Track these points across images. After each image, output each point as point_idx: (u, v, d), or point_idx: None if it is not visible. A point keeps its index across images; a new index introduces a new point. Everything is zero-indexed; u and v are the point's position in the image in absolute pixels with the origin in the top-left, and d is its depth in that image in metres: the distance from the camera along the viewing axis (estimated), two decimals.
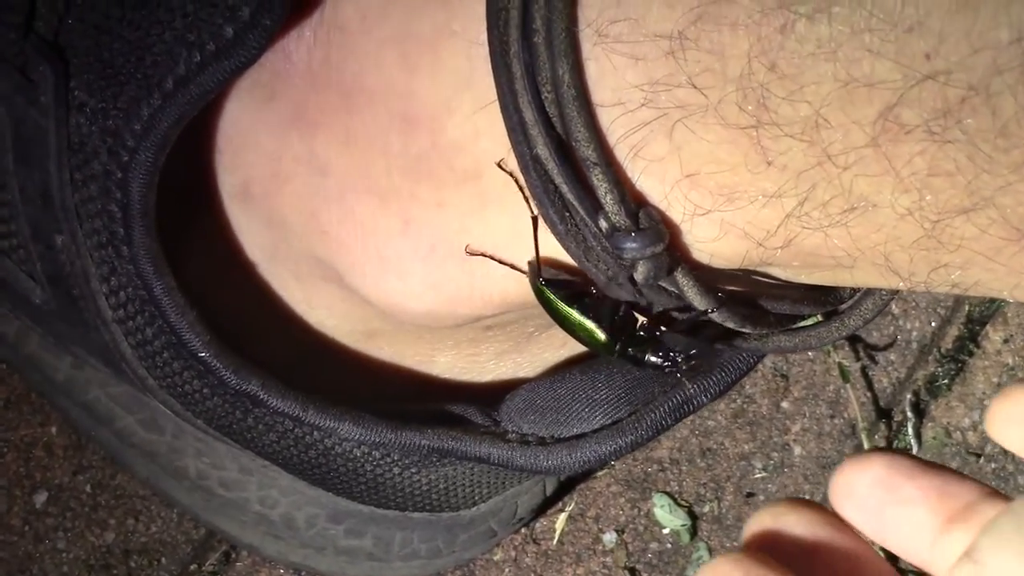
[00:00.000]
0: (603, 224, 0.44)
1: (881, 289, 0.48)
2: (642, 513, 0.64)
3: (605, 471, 0.64)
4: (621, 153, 0.44)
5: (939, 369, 0.69)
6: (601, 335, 0.49)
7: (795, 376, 0.66)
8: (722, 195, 0.43)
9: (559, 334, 0.51)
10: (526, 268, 0.48)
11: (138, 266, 0.50)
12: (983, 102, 0.37)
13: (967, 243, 0.40)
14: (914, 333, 0.68)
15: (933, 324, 0.69)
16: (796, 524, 0.35)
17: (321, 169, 0.50)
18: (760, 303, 0.49)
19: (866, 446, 0.66)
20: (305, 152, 0.50)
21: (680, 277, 0.46)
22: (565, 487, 0.64)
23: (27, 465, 0.62)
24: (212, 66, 0.47)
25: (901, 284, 0.44)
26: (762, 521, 0.35)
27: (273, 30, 0.47)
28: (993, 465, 0.67)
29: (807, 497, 0.64)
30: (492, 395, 0.55)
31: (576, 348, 0.56)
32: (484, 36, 0.44)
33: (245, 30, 0.47)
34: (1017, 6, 0.36)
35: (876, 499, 0.34)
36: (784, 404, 0.66)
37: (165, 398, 0.54)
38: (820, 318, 0.51)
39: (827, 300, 0.50)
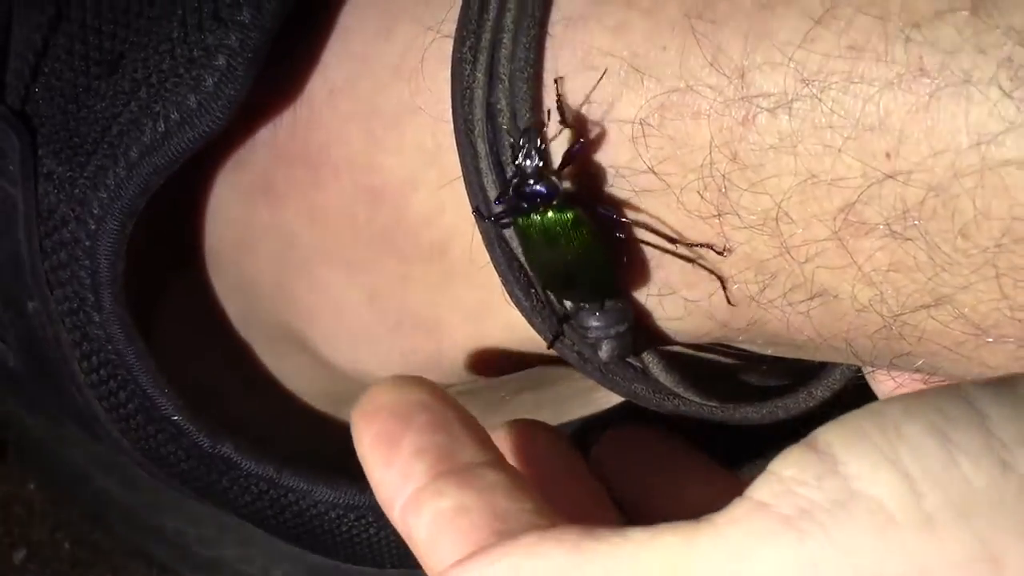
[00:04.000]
0: (567, 303, 0.44)
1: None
2: None
3: None
4: None
5: None
6: None
7: None
8: (684, 279, 0.43)
9: (531, 399, 0.51)
10: (494, 340, 0.48)
11: (109, 332, 0.50)
12: (943, 204, 0.37)
13: (929, 336, 0.40)
14: None
15: None
16: None
17: (288, 239, 0.50)
18: (726, 375, 0.49)
19: None
20: (272, 222, 0.50)
21: (645, 355, 0.46)
22: None
23: (6, 522, 0.62)
24: (177, 136, 0.47)
25: (864, 366, 0.44)
26: None
27: (237, 100, 0.47)
28: None
29: None
30: None
31: (553, 414, 0.56)
32: (449, 114, 0.44)
33: (209, 100, 0.47)
34: (975, 111, 0.35)
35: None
36: None
37: (140, 459, 0.54)
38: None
39: (794, 371, 0.50)
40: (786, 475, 0.31)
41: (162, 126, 0.48)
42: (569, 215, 0.43)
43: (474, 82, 0.43)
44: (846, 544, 0.29)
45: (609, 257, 0.43)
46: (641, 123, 0.41)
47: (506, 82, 0.43)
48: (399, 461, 0.37)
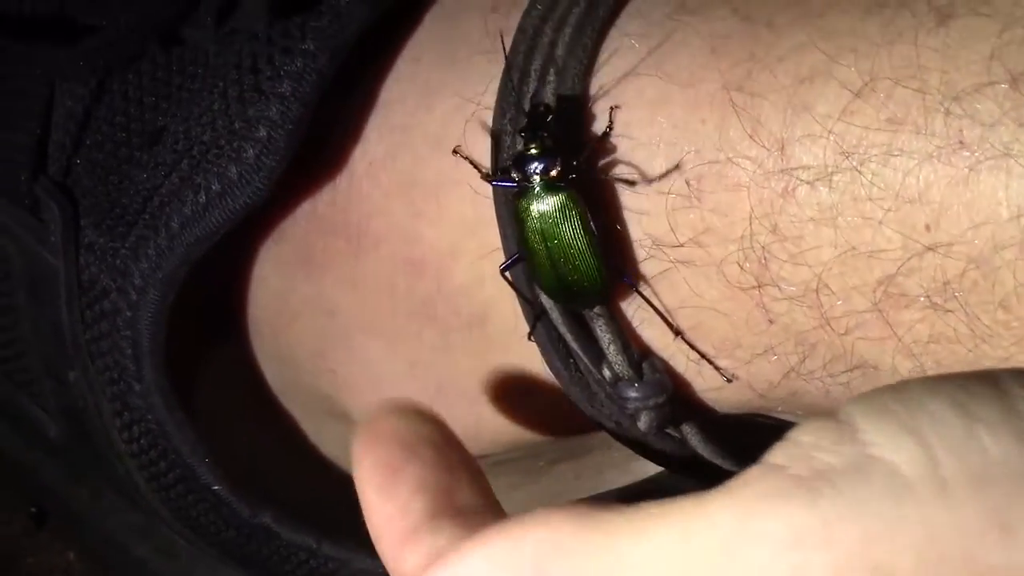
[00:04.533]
0: (606, 373, 0.44)
1: None
2: None
3: None
4: (624, 304, 0.44)
5: None
6: None
7: None
8: (724, 348, 0.43)
9: (569, 468, 0.51)
10: (533, 410, 0.48)
11: (149, 401, 0.50)
12: (983, 276, 0.37)
13: None
14: None
15: None
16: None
17: (328, 310, 0.50)
18: (764, 444, 0.49)
19: None
20: (312, 293, 0.50)
21: (684, 425, 0.46)
22: None
23: None
24: (218, 207, 0.47)
25: None
26: None
27: (278, 172, 0.47)
28: None
29: None
30: None
31: (592, 484, 0.56)
32: (488, 184, 0.44)
33: (250, 171, 0.47)
34: (1015, 184, 0.35)
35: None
36: None
37: (180, 528, 0.54)
38: None
39: None
40: (804, 440, 0.31)
41: (203, 197, 0.48)
42: (563, 194, 0.43)
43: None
44: (859, 507, 0.29)
45: (596, 248, 0.43)
46: (680, 195, 0.41)
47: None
48: (399, 494, 0.37)
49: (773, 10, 0.41)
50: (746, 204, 0.40)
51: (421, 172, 0.47)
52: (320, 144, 0.49)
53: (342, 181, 0.49)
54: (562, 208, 0.43)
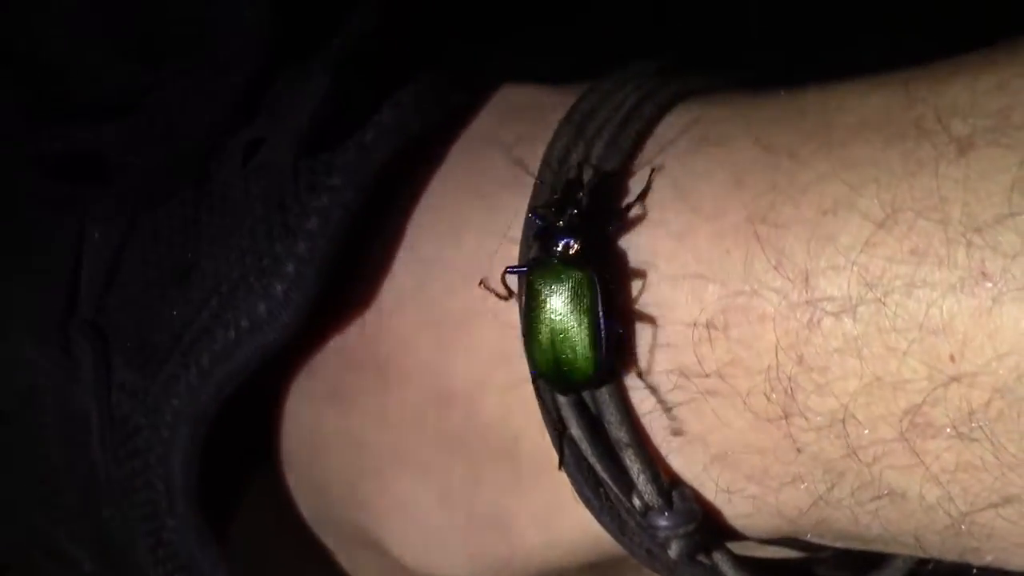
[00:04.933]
0: (636, 502, 0.44)
1: None
2: None
3: None
4: (653, 433, 0.44)
5: None
6: None
7: None
8: (753, 477, 0.43)
9: None
10: (564, 539, 0.48)
11: (183, 537, 0.51)
12: (1008, 405, 0.37)
13: (998, 533, 0.40)
14: None
15: None
16: None
17: (359, 443, 0.50)
18: (795, 568, 0.49)
19: None
20: (343, 426, 0.51)
21: (715, 553, 0.45)
22: None
23: None
24: (247, 343, 0.48)
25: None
26: None
27: (306, 308, 0.47)
28: None
29: None
30: None
31: None
32: (515, 316, 0.45)
33: (279, 308, 0.47)
34: None
35: None
36: None
37: None
38: None
39: (862, 558, 0.49)
40: None
41: (233, 334, 0.48)
42: (579, 273, 0.43)
43: None
44: None
45: (599, 335, 0.43)
46: (706, 326, 0.41)
47: None
48: None
49: (795, 140, 0.42)
50: (772, 335, 0.40)
51: (449, 305, 0.47)
52: (349, 278, 0.49)
53: (371, 315, 0.49)
54: (576, 286, 0.43)
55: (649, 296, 0.43)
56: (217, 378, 0.49)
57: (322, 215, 0.47)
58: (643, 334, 0.43)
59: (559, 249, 0.43)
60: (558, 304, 0.43)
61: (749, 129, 0.43)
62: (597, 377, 0.44)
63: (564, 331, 0.43)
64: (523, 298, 0.44)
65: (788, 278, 0.40)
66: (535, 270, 0.44)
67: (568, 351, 0.43)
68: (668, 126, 0.46)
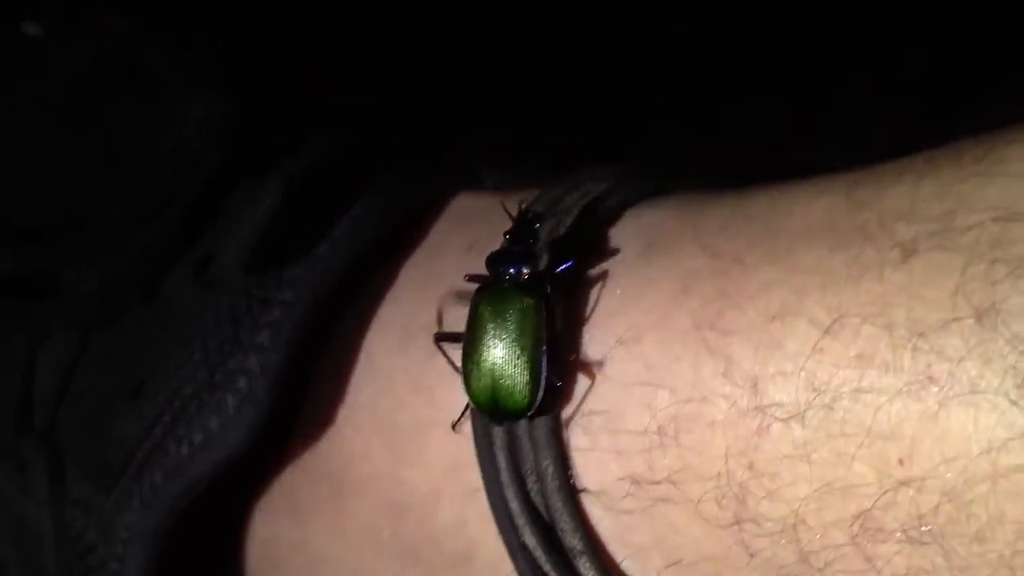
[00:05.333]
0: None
1: None
2: None
3: None
4: (607, 541, 0.44)
5: None
6: None
7: None
8: None
9: None
10: None
11: None
12: (957, 509, 0.37)
13: None
14: None
15: None
16: None
17: (314, 556, 0.50)
18: None
19: None
20: (300, 540, 0.50)
21: None
22: None
23: None
24: (200, 459, 0.48)
25: None
26: None
27: (260, 422, 0.47)
28: None
29: None
30: None
31: None
32: (468, 427, 0.45)
33: (232, 422, 0.47)
34: (984, 419, 0.36)
35: None
36: None
37: None
38: None
39: None
40: None
41: (186, 449, 0.48)
42: (528, 301, 0.43)
43: None
44: None
45: (540, 364, 0.43)
46: (657, 433, 0.42)
47: None
48: None
49: (742, 246, 0.42)
50: (722, 442, 0.40)
51: (401, 416, 0.47)
52: (303, 390, 0.49)
53: (325, 427, 0.49)
54: (523, 311, 0.43)
55: (599, 402, 0.43)
56: (170, 494, 0.48)
57: (274, 329, 0.48)
58: (595, 439, 0.43)
59: (510, 274, 0.44)
60: (502, 329, 0.43)
61: (697, 235, 0.44)
62: (530, 409, 0.44)
63: (505, 357, 0.43)
64: (468, 322, 0.44)
65: (737, 385, 0.40)
66: (483, 294, 0.44)
67: (507, 379, 0.43)
68: (616, 232, 0.46)
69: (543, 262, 0.45)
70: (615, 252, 0.45)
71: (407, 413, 0.47)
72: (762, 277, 0.41)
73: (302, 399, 0.50)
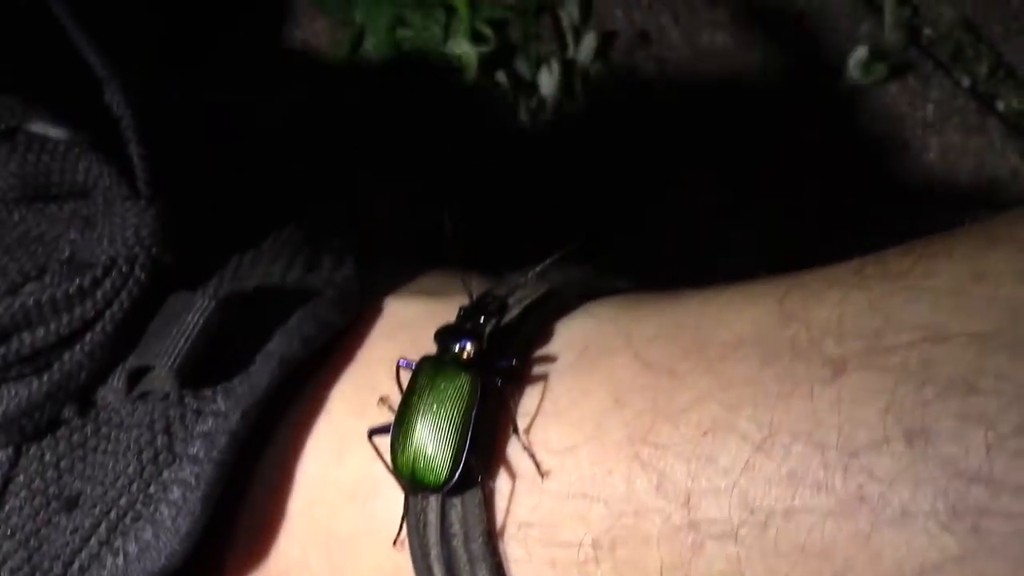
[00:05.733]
0: None
1: None
2: None
3: None
4: None
5: None
6: None
7: None
8: None
9: None
10: None
11: None
12: None
13: None
14: None
15: None
16: None
17: None
18: None
19: None
20: None
21: None
22: None
23: None
24: (135, 570, 0.48)
25: None
26: None
27: (194, 533, 0.47)
28: None
29: None
30: None
31: None
32: (404, 535, 0.45)
33: (167, 533, 0.47)
34: (915, 541, 0.36)
35: None
36: None
37: None
38: None
39: None
40: None
41: (121, 561, 0.48)
42: (466, 377, 0.44)
43: (427, 506, 0.44)
44: None
45: (462, 444, 0.44)
46: (592, 546, 0.41)
47: (459, 507, 0.44)
48: None
49: (674, 357, 0.42)
50: (657, 557, 0.40)
51: (338, 526, 0.47)
52: (239, 498, 0.49)
53: (261, 536, 0.49)
54: (458, 388, 0.43)
55: (535, 514, 0.43)
56: None
57: (207, 440, 0.47)
58: (530, 551, 0.43)
59: (455, 350, 0.44)
60: (434, 401, 0.44)
61: (629, 344, 0.44)
62: (444, 486, 0.44)
63: (431, 430, 0.43)
64: (407, 387, 0.45)
65: (670, 500, 0.40)
66: (424, 365, 0.44)
67: (429, 451, 0.43)
68: (549, 341, 0.46)
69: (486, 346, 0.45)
70: (551, 358, 0.45)
71: (344, 523, 0.47)
72: (694, 390, 0.41)
73: (239, 507, 0.50)
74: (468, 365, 0.44)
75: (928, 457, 0.36)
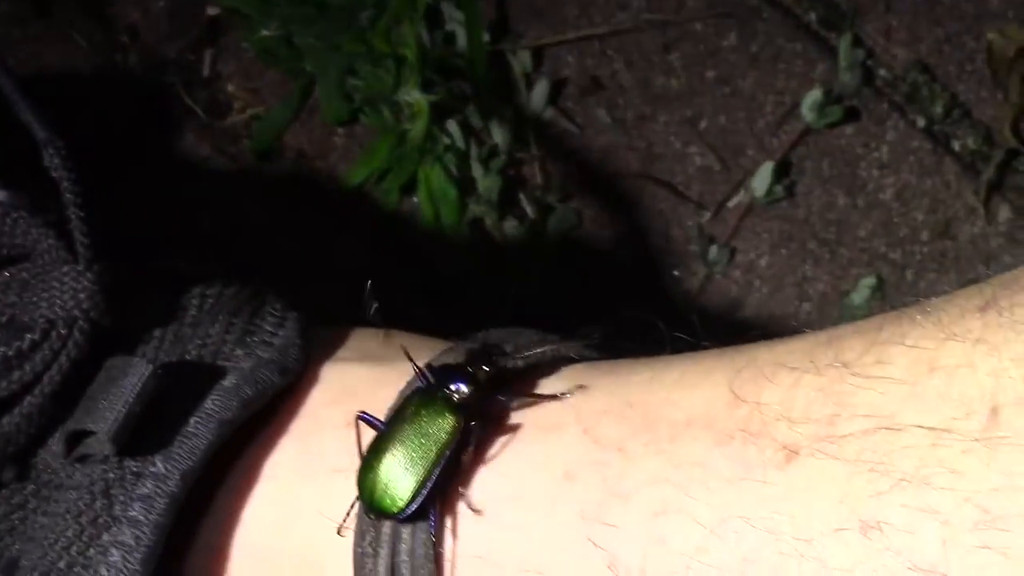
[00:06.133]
0: None
1: None
2: None
3: None
4: None
5: None
6: None
7: None
8: None
9: None
10: None
11: None
12: None
13: None
14: None
15: None
16: None
17: None
18: None
19: None
20: None
21: None
22: None
23: None
24: None
25: None
26: None
27: None
28: None
29: None
30: None
31: None
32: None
33: None
34: None
35: None
36: None
37: None
38: None
39: None
40: None
41: None
42: (451, 418, 0.44)
43: (377, 541, 0.44)
44: None
45: (429, 479, 0.44)
46: None
47: (408, 543, 0.44)
48: None
49: (624, 434, 0.41)
50: None
51: None
52: (182, 564, 0.49)
53: None
54: (440, 426, 0.43)
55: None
56: None
57: (147, 502, 0.47)
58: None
59: (450, 389, 0.44)
60: (414, 433, 0.44)
61: (579, 418, 0.43)
62: (400, 515, 0.44)
63: (402, 459, 0.43)
64: (391, 414, 0.45)
65: None
66: (415, 395, 0.44)
67: (393, 479, 0.43)
68: (498, 411, 0.46)
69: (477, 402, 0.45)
70: (498, 431, 0.45)
71: None
72: (646, 469, 0.40)
73: (181, 570, 0.49)
74: (457, 407, 0.44)
75: (883, 548, 0.36)
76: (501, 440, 0.44)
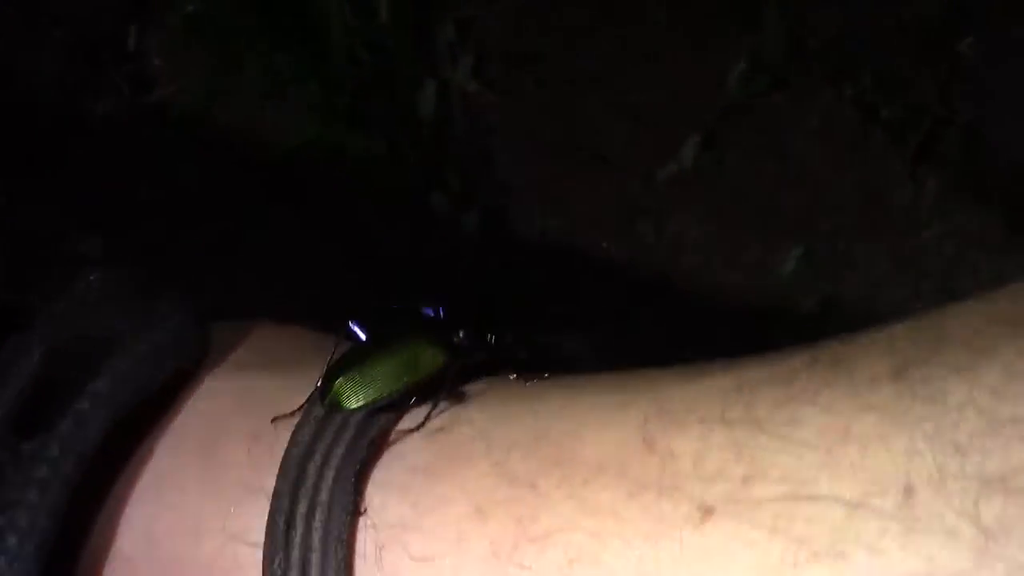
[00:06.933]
0: None
1: None
2: None
3: None
4: None
5: None
6: None
7: None
8: None
9: None
10: None
11: None
12: None
13: None
14: None
15: None
16: None
17: None
18: None
19: None
20: None
21: None
22: None
23: None
24: None
25: None
26: None
27: None
28: None
29: None
30: None
31: None
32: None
33: None
34: None
35: None
36: None
37: None
38: None
39: None
40: None
41: None
42: (440, 358, 0.44)
43: (291, 543, 0.43)
44: None
45: (395, 394, 0.43)
46: None
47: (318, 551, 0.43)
48: None
49: (536, 469, 0.41)
50: None
51: None
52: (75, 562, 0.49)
53: None
54: (428, 358, 0.44)
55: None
56: None
57: (42, 486, 0.47)
58: None
59: (455, 334, 0.44)
60: (404, 354, 0.44)
61: (490, 451, 0.42)
62: (353, 412, 0.43)
63: (381, 369, 0.44)
64: (397, 337, 0.45)
65: None
66: (424, 334, 0.45)
67: (367, 379, 0.44)
68: (409, 438, 0.45)
69: (471, 357, 0.45)
70: (407, 457, 0.44)
71: None
72: (559, 513, 0.39)
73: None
74: (451, 350, 0.44)
75: None
76: (410, 465, 0.43)
